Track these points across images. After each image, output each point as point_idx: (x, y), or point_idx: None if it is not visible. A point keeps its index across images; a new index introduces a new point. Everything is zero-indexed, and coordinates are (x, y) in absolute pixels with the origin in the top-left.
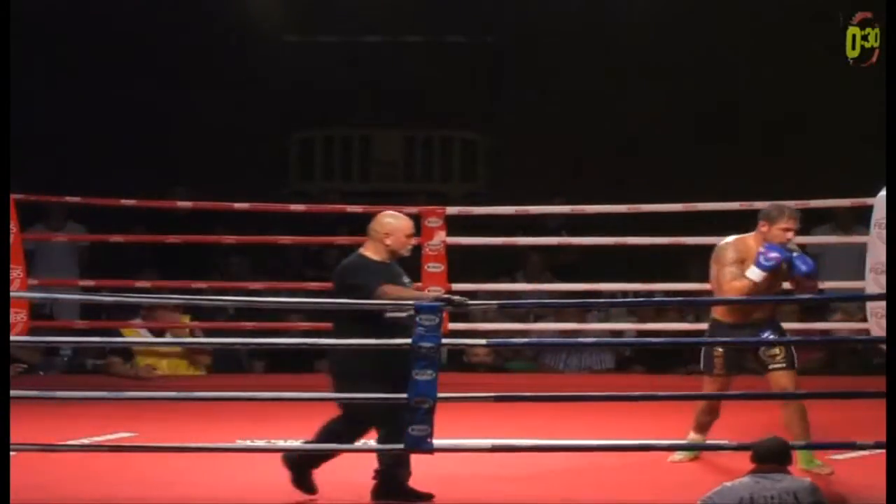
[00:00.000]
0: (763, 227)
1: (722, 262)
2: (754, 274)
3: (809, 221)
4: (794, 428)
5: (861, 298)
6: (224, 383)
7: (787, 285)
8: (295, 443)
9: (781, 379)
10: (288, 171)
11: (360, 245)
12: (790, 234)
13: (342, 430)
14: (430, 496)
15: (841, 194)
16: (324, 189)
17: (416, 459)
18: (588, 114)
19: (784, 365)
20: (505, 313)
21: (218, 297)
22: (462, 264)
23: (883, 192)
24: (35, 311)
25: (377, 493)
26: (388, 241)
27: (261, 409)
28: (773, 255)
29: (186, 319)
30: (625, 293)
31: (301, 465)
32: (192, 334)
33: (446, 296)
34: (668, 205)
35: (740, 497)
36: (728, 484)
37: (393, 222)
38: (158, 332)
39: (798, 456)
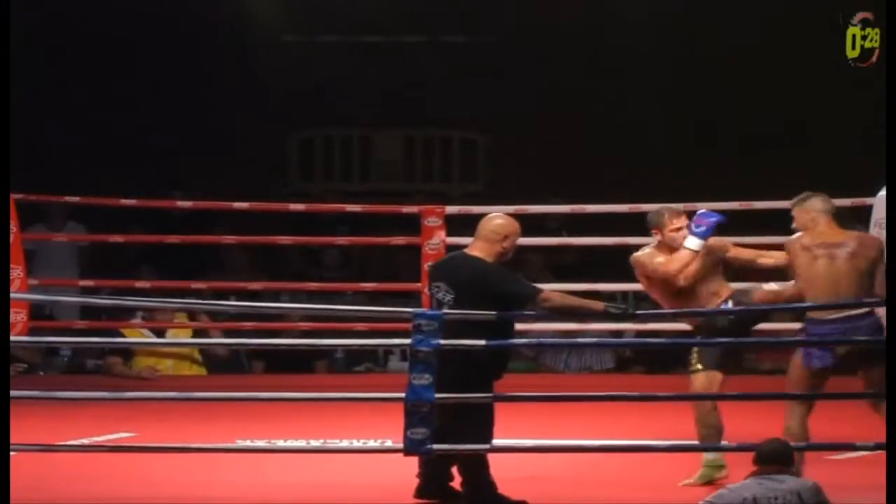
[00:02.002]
0: (658, 236)
1: (648, 265)
2: (693, 243)
3: None
4: (698, 429)
5: (861, 304)
6: (224, 383)
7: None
8: (297, 443)
9: (694, 382)
10: (288, 171)
11: (360, 245)
12: (684, 231)
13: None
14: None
15: (841, 194)
16: (324, 189)
17: (415, 459)
18: (588, 114)
19: (699, 367)
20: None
21: (226, 303)
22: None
23: (883, 192)
24: (35, 311)
25: (467, 501)
26: (505, 244)
27: (261, 409)
28: (707, 220)
29: (184, 318)
30: (625, 293)
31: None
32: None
33: (609, 307)
34: (667, 205)
35: (743, 498)
36: (730, 486)
37: (508, 224)
38: (161, 332)
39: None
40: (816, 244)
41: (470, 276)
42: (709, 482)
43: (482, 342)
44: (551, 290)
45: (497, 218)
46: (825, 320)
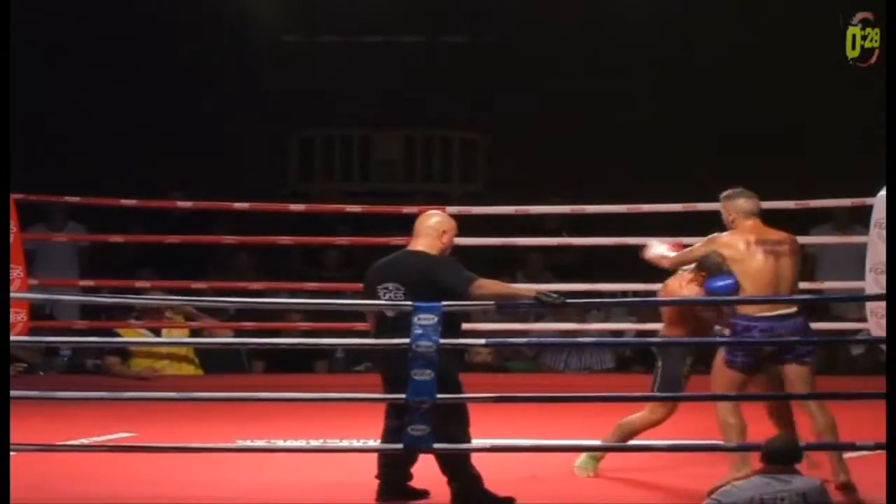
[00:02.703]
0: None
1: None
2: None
3: (809, 221)
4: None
5: (861, 299)
6: (224, 383)
7: None
8: (297, 443)
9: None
10: (288, 171)
11: (360, 245)
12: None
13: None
14: (511, 499)
15: (841, 194)
16: (324, 189)
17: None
18: (587, 114)
19: None
20: (505, 313)
21: (220, 299)
22: (462, 264)
23: (883, 192)
24: (35, 311)
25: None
26: (444, 239)
27: (261, 409)
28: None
29: (181, 319)
30: (625, 293)
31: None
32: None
33: (540, 294)
34: (668, 205)
35: (749, 498)
36: (737, 483)
37: (444, 221)
38: (158, 332)
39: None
40: (759, 240)
41: (418, 271)
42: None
43: (482, 341)
44: (486, 281)
45: (434, 216)
46: (761, 317)
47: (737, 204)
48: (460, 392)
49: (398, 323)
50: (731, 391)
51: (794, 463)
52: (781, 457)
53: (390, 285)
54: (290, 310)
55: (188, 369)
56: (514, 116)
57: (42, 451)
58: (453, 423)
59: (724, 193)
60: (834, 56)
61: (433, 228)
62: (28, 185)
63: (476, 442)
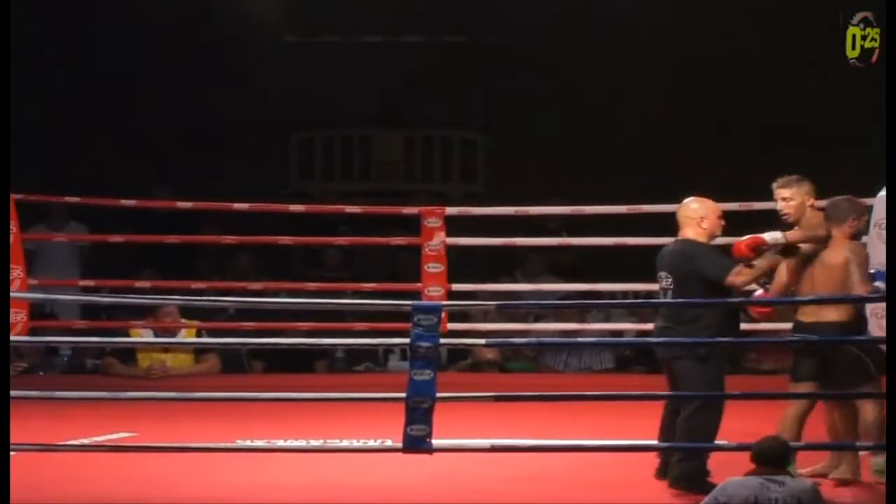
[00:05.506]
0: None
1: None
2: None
3: None
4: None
5: (861, 300)
6: (224, 383)
7: None
8: (297, 443)
9: None
10: (288, 171)
11: (360, 245)
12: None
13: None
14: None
15: (841, 194)
16: (324, 189)
17: (415, 459)
18: (588, 114)
19: None
20: (505, 313)
21: (223, 299)
22: (462, 264)
23: (883, 192)
24: (35, 311)
25: (677, 480)
26: (704, 225)
27: (261, 409)
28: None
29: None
30: (625, 293)
31: (699, 478)
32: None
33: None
34: (667, 205)
35: (745, 498)
36: (732, 480)
37: (701, 207)
38: (159, 332)
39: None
40: None
41: (680, 261)
42: None
43: (482, 341)
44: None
45: (691, 203)
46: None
47: (811, 190)
48: (721, 389)
49: (666, 309)
50: None
51: (785, 465)
52: (771, 458)
53: (663, 274)
54: (290, 310)
55: (189, 360)
56: (514, 116)
57: (42, 451)
58: (707, 412)
59: (786, 180)
60: (834, 56)
61: (688, 217)
62: (28, 185)
63: (476, 442)
